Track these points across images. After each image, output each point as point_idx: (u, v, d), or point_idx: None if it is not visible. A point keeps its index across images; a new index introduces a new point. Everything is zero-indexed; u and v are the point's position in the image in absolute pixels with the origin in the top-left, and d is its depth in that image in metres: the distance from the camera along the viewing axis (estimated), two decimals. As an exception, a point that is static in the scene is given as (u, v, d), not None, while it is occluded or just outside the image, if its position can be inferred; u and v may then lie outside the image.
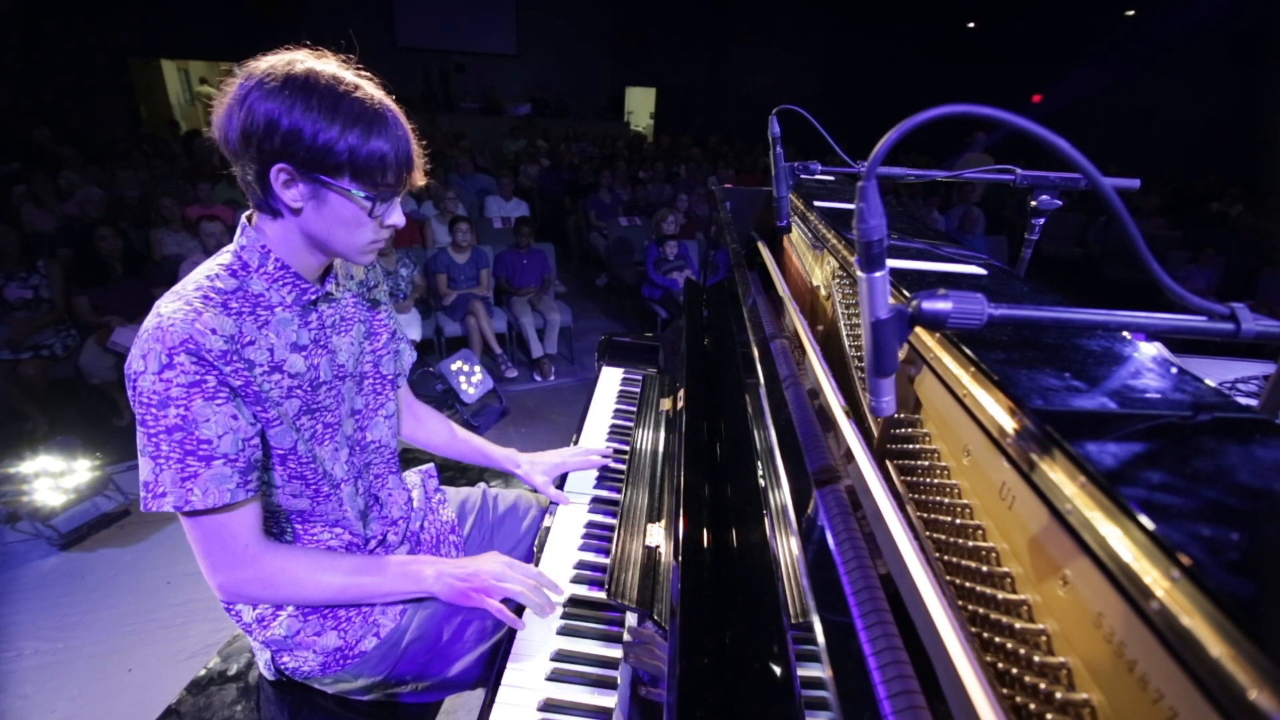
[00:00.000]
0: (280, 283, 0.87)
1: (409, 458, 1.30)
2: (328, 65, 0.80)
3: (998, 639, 0.46)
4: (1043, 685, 0.41)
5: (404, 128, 0.83)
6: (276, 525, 0.97)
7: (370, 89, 0.81)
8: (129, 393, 0.78)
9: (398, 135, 0.82)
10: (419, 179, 0.87)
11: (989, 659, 0.47)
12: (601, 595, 1.05)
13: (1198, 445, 0.43)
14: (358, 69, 0.83)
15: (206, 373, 0.78)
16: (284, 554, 0.91)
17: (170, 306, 0.78)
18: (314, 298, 0.91)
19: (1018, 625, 0.45)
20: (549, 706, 0.88)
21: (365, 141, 0.78)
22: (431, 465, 1.31)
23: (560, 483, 1.38)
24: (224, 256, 0.87)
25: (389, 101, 0.83)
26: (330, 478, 0.96)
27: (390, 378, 1.11)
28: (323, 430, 0.95)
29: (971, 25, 11.66)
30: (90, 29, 8.27)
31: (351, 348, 1.01)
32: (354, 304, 1.03)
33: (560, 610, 1.04)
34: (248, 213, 0.88)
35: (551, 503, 1.33)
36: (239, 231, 0.87)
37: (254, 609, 0.99)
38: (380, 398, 1.09)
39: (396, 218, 0.87)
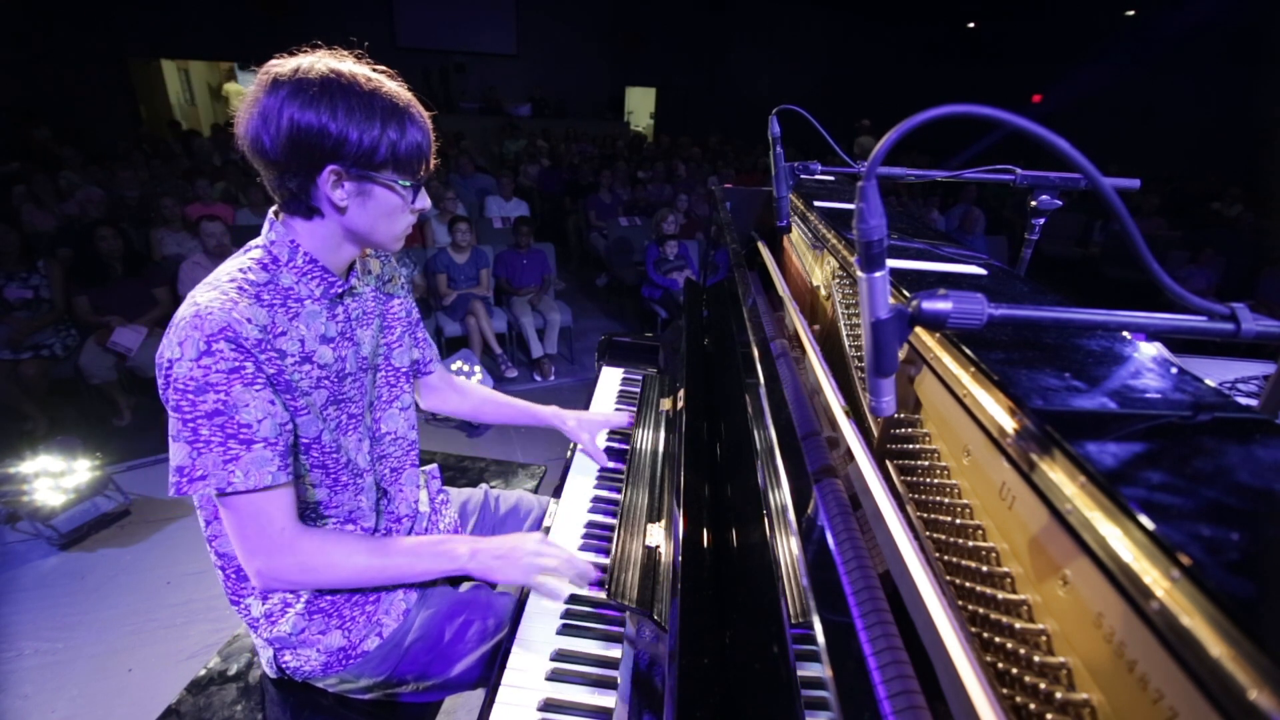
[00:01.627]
0: (309, 276, 0.91)
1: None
2: (346, 63, 0.83)
3: (998, 639, 0.47)
4: (1043, 685, 0.41)
5: (424, 115, 0.88)
6: None
7: (390, 83, 0.85)
8: (159, 381, 0.80)
9: (424, 124, 0.87)
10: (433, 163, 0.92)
11: (989, 659, 0.47)
12: (602, 595, 1.05)
13: (1198, 445, 0.43)
14: (370, 64, 0.86)
15: (245, 359, 0.80)
16: (319, 537, 0.93)
17: (207, 296, 0.80)
18: (340, 291, 0.94)
19: (1018, 625, 0.45)
20: (549, 706, 0.88)
21: (403, 135, 0.83)
22: (434, 466, 1.31)
23: (560, 484, 1.38)
24: (255, 251, 0.90)
25: (406, 91, 0.87)
26: (353, 466, 0.99)
27: (404, 370, 1.13)
28: (347, 420, 0.99)
29: (971, 25, 11.66)
30: (90, 29, 8.25)
31: (372, 340, 1.05)
32: (373, 298, 1.06)
33: (560, 610, 1.05)
34: (274, 208, 0.90)
35: (553, 498, 1.33)
36: (267, 227, 0.90)
37: (262, 604, 1.00)
38: (395, 390, 1.12)
39: (425, 202, 0.92)
